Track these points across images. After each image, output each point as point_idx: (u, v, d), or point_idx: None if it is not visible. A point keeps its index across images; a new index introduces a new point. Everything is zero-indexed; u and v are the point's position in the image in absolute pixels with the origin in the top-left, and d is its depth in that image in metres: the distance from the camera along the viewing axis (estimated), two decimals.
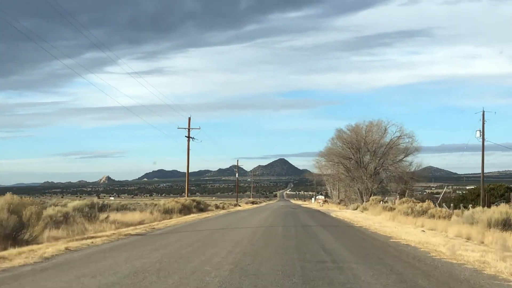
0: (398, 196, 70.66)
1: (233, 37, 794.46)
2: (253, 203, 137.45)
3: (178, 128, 65.21)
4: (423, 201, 58.59)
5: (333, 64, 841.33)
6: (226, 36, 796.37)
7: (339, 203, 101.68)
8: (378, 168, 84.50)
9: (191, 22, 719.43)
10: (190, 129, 64.82)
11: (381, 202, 71.29)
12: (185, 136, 64.62)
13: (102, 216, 33.64)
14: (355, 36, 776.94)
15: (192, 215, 48.00)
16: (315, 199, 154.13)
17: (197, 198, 63.89)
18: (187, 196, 65.74)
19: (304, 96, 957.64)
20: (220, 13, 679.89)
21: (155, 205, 49.94)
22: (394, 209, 50.09)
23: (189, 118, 65.02)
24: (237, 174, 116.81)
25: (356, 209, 67.70)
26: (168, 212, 46.53)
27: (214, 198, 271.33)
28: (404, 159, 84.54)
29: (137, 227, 29.98)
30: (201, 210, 57.18)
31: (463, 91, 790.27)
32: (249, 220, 35.85)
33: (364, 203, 79.26)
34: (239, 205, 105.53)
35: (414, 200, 54.85)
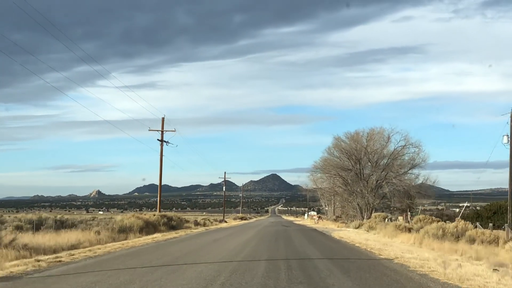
0: (409, 214, 59.95)
1: (226, 52, 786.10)
2: (242, 219, 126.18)
3: (149, 130, 54.26)
4: (442, 218, 47.75)
5: (326, 79, 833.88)
6: (219, 51, 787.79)
7: (335, 220, 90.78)
8: (380, 181, 73.62)
9: (184, 36, 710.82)
10: (164, 132, 53.87)
11: (386, 219, 60.65)
12: (158, 140, 53.66)
13: (8, 238, 22.92)
14: (348, 52, 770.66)
15: (155, 234, 36.92)
16: (308, 215, 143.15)
17: (170, 214, 52.83)
18: (159, 210, 54.66)
19: (296, 112, 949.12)
20: (213, 27, 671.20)
21: (110, 221, 38.93)
22: (411, 229, 39.27)
23: (163, 119, 54.11)
24: (224, 188, 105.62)
25: (358, 227, 56.72)
26: (124, 231, 35.51)
27: (204, 213, 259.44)
28: (410, 171, 73.77)
29: (41, 258, 18.95)
30: (173, 227, 46.03)
31: (456, 108, 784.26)
32: (221, 245, 24.77)
33: (365, 220, 68.53)
34: (225, 221, 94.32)
35: (433, 218, 44.02)
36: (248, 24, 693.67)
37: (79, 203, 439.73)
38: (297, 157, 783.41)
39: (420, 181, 73.07)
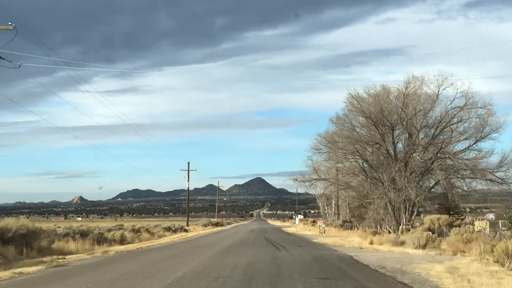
0: None
1: (209, 55, 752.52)
2: (216, 225, 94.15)
3: None
4: None
5: (309, 82, 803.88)
6: (202, 54, 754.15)
7: (341, 226, 59.52)
8: (428, 163, 42.12)
9: (167, 40, 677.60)
10: None
11: (475, 228, 29.29)
12: None
13: None
14: (331, 55, 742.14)
15: None
16: (298, 219, 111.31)
17: None
18: None
19: (280, 115, 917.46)
20: (195, 31, 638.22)
21: None
22: None
23: None
24: (188, 185, 73.58)
25: (427, 246, 25.24)
26: None
27: (185, 218, 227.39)
28: (476, 145, 42.40)
29: None
30: None
31: None
32: None
33: (409, 228, 37.82)
34: (186, 230, 62.08)
35: None
36: (231, 27, 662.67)
37: (60, 209, 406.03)
38: (281, 161, 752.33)
39: (495, 163, 41.53)
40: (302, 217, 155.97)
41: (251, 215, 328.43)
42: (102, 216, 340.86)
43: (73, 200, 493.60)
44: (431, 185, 45.28)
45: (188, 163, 73.84)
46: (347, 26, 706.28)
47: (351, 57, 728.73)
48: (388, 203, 43.59)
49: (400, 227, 41.52)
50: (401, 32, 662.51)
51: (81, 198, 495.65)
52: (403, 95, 42.62)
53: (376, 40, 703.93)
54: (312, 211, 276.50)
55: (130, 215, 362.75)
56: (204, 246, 26.76)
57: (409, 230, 39.96)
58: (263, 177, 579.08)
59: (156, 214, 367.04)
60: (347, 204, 67.25)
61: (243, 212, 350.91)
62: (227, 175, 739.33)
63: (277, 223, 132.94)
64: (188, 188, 73.02)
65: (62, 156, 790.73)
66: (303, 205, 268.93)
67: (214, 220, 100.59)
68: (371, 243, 31.89)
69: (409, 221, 42.24)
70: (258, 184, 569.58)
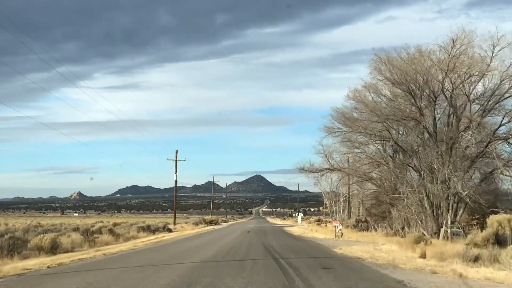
0: None
1: (209, 52, 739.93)
2: (210, 223, 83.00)
3: None
4: None
5: (310, 80, 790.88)
6: (202, 51, 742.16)
7: (355, 226, 48.52)
8: (480, 145, 30.99)
9: (167, 36, 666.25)
10: None
11: None
12: None
13: None
14: (332, 53, 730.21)
15: None
16: (300, 217, 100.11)
17: None
18: None
19: (281, 113, 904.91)
20: (196, 28, 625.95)
21: None
22: None
23: None
24: (176, 177, 62.35)
25: None
26: None
27: (185, 215, 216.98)
28: None
29: None
30: None
31: None
32: None
33: (472, 237, 26.92)
34: (170, 230, 50.81)
35: None
36: (231, 24, 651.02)
37: (58, 205, 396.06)
38: (281, 158, 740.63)
39: None
40: (302, 215, 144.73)
41: (250, 213, 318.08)
42: (99, 212, 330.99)
43: (71, 195, 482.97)
44: (478, 175, 34.32)
45: (176, 151, 62.83)
46: (348, 25, 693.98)
47: (352, 56, 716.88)
48: (425, 198, 32.60)
49: (442, 230, 30.56)
50: (402, 31, 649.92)
51: (79, 194, 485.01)
52: (449, 56, 31.49)
53: (377, 39, 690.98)
54: (312, 209, 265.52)
55: (128, 211, 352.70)
56: (162, 265, 15.61)
57: (461, 236, 29.03)
58: (262, 175, 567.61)
59: (154, 210, 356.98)
60: (360, 201, 56.35)
61: (242, 210, 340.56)
62: (227, 172, 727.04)
63: (277, 221, 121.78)
64: (175, 180, 61.90)
65: (62, 151, 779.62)
66: (302, 202, 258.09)
67: (208, 217, 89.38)
68: (423, 256, 20.75)
69: (452, 222, 31.21)
70: (257, 181, 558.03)
